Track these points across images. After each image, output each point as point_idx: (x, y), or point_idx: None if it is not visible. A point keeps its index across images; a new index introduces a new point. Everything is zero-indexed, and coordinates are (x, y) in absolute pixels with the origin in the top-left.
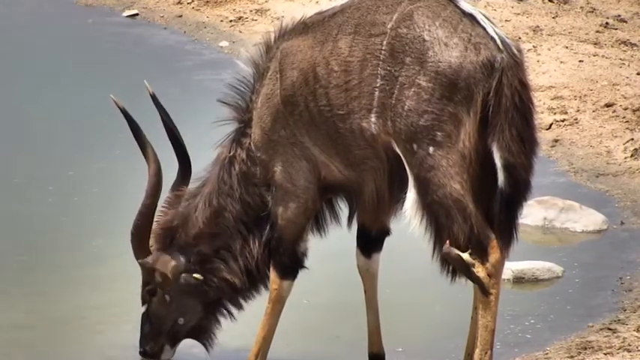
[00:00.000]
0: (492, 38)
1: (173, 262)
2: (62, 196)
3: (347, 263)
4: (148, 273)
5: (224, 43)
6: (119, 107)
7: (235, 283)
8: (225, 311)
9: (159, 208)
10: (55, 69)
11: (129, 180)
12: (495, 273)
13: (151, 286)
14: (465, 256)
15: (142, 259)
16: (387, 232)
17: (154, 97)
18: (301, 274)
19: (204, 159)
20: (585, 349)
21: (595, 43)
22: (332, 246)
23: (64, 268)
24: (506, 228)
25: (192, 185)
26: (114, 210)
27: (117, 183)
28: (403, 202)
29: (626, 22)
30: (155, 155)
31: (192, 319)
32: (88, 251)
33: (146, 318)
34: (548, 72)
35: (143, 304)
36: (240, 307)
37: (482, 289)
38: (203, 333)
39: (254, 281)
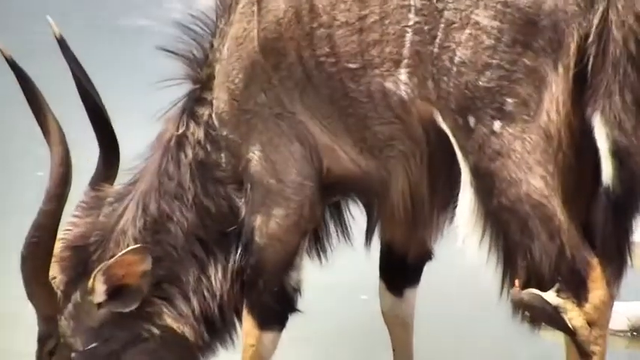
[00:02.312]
0: None
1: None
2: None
3: None
4: (48, 322)
5: None
6: (5, 56)
7: (185, 334)
8: None
9: (66, 216)
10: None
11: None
12: (599, 319)
13: (53, 343)
14: (550, 295)
15: (44, 302)
16: (428, 255)
17: (60, 42)
18: None
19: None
20: None
21: None
22: None
23: None
24: (614, 249)
25: (121, 182)
26: None
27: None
28: (454, 208)
29: None
30: (61, 133)
31: None
32: None
33: None
34: None
35: None
36: None
37: (579, 346)
38: None
39: (216, 333)
